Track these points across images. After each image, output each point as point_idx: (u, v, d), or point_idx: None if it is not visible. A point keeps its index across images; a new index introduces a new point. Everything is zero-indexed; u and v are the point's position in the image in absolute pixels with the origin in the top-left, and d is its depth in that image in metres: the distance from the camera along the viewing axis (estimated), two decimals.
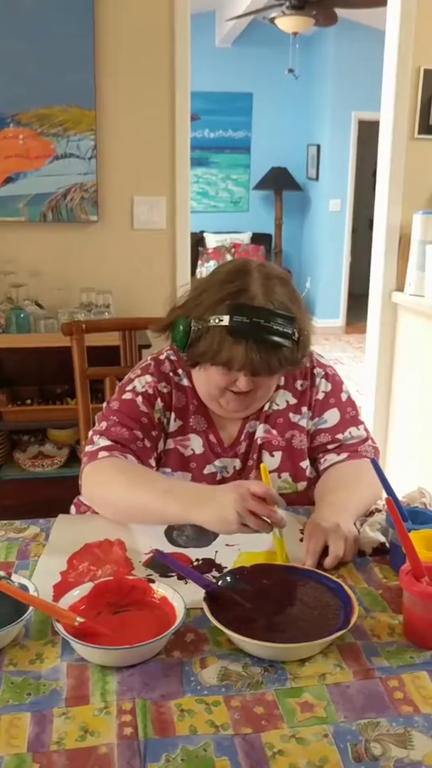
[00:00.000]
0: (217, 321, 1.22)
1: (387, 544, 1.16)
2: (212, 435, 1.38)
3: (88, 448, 1.31)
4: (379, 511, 1.29)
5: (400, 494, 1.20)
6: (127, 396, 1.36)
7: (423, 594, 0.91)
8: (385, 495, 1.09)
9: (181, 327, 1.26)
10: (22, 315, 2.69)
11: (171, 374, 1.38)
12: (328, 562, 1.10)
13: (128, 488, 1.21)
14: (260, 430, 1.39)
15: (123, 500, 1.22)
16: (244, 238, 7.33)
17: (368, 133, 6.24)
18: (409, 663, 0.90)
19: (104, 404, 1.42)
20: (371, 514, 1.28)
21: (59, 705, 0.82)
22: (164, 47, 2.76)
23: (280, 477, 1.39)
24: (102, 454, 1.27)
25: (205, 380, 1.31)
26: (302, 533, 1.20)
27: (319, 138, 7.09)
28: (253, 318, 1.20)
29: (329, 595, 0.99)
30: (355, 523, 1.21)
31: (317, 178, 7.20)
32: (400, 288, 3.21)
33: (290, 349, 1.24)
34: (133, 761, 0.74)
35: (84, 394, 1.78)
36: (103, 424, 1.33)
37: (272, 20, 5.26)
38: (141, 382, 1.37)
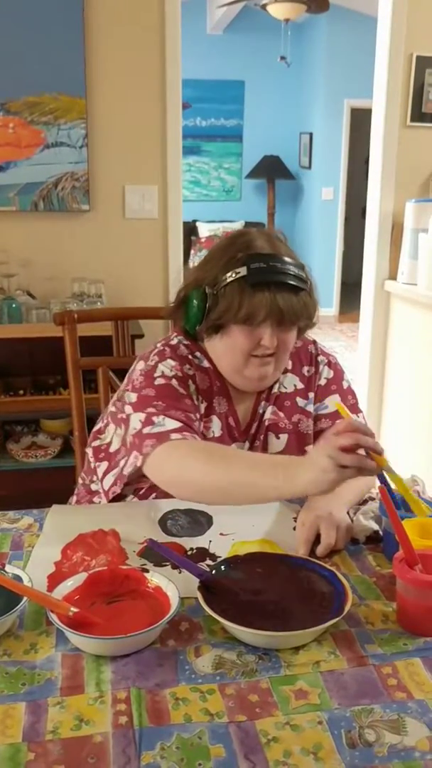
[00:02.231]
0: (234, 275, 1.22)
1: (380, 532, 1.16)
2: (231, 418, 1.37)
3: (148, 429, 1.21)
4: (372, 499, 1.30)
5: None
6: (160, 381, 1.29)
7: (416, 581, 0.92)
8: (378, 484, 1.09)
9: (195, 299, 1.26)
10: (13, 305, 2.68)
11: (190, 357, 1.35)
12: (320, 550, 1.10)
13: (215, 467, 1.12)
14: (269, 412, 1.39)
15: (209, 479, 1.12)
16: (237, 227, 7.29)
17: (361, 120, 6.21)
18: (402, 650, 0.90)
19: (128, 396, 1.31)
20: (365, 502, 1.28)
21: (54, 694, 0.82)
22: (155, 34, 2.74)
23: None
24: (174, 435, 1.19)
25: (229, 348, 1.28)
26: (295, 521, 1.20)
27: (311, 126, 7.06)
28: (269, 262, 1.21)
29: (323, 583, 1.00)
30: (348, 512, 1.21)
31: (310, 167, 7.18)
32: (393, 276, 3.21)
33: (307, 295, 1.26)
34: (128, 750, 0.74)
35: (77, 384, 1.77)
36: (152, 410, 1.24)
37: (264, 7, 5.22)
38: (167, 366, 1.31)
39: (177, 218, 2.93)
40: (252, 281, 1.21)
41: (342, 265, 7.15)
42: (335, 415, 1.42)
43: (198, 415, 1.31)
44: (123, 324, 1.86)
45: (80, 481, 1.50)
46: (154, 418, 1.22)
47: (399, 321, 3.24)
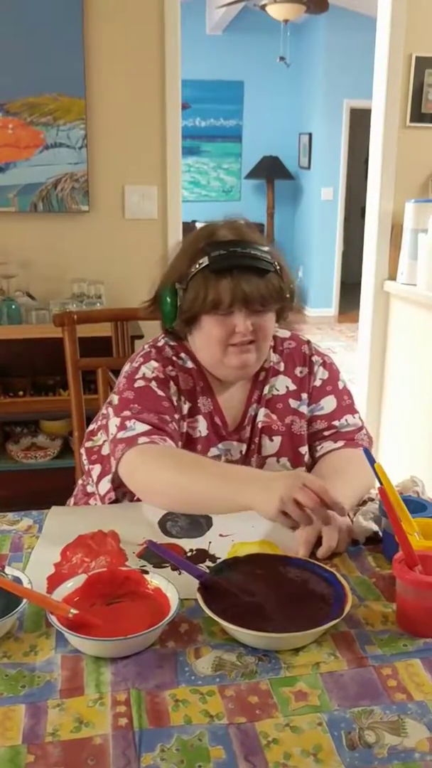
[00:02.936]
0: (198, 267, 1.24)
1: (380, 533, 1.16)
2: (217, 417, 1.37)
3: (121, 434, 1.24)
4: (372, 500, 1.29)
5: (393, 483, 1.20)
6: (140, 384, 1.31)
7: (416, 582, 0.92)
8: (378, 484, 1.09)
9: (167, 297, 1.28)
10: (13, 306, 2.68)
11: (174, 358, 1.36)
12: (321, 552, 1.10)
13: (180, 475, 1.16)
14: (261, 414, 1.39)
15: (175, 488, 1.17)
16: None
17: (360, 121, 6.22)
18: (402, 651, 0.90)
19: (112, 398, 1.35)
20: (364, 503, 1.28)
21: (54, 696, 0.82)
22: (154, 35, 2.74)
23: (279, 462, 1.39)
24: (142, 439, 1.22)
25: (205, 339, 1.29)
26: None
27: (310, 126, 7.06)
28: (230, 248, 1.23)
29: (323, 584, 1.00)
30: (348, 513, 1.21)
31: (309, 167, 7.18)
32: (393, 277, 3.21)
33: (275, 276, 1.27)
34: (128, 751, 0.74)
35: (76, 385, 1.77)
36: (126, 413, 1.27)
37: (263, 7, 5.22)
38: (149, 368, 1.33)
39: (176, 219, 2.93)
40: (213, 268, 1.22)
41: (341, 265, 7.15)
42: (330, 416, 1.42)
43: (177, 416, 1.32)
44: (122, 325, 1.86)
45: (80, 482, 1.51)
46: (127, 423, 1.25)
47: (398, 321, 3.24)
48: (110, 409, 1.32)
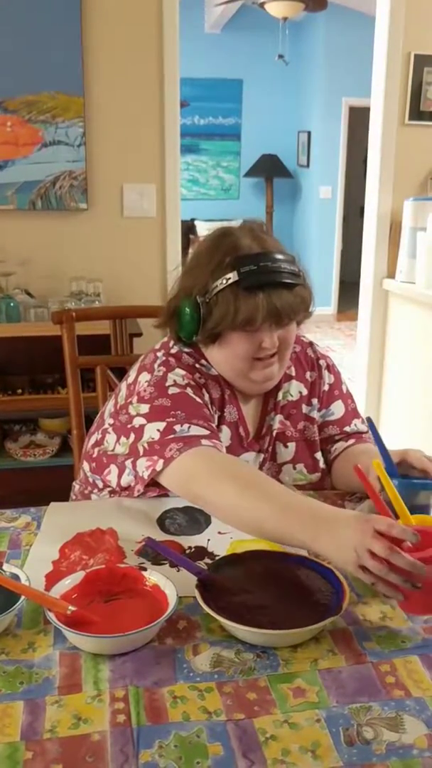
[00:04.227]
0: (225, 282, 1.18)
1: None
2: (242, 427, 1.33)
3: (173, 436, 1.15)
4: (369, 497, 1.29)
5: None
6: (174, 390, 1.22)
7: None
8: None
9: (188, 309, 1.22)
10: (11, 304, 2.68)
11: (197, 366, 1.29)
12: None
13: (243, 498, 1.06)
14: (276, 421, 1.36)
15: (237, 511, 1.08)
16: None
17: (359, 119, 6.22)
18: (400, 647, 0.90)
19: (137, 405, 1.23)
20: (361, 500, 1.28)
21: (52, 693, 0.82)
22: (153, 33, 2.74)
23: (295, 468, 1.37)
24: (205, 442, 1.14)
25: (230, 355, 1.24)
26: None
27: (309, 124, 7.06)
28: (259, 264, 1.17)
29: (321, 580, 0.99)
30: (346, 507, 1.21)
31: (308, 165, 7.17)
32: (391, 275, 3.21)
33: (303, 288, 1.24)
34: (126, 748, 0.74)
35: (75, 383, 1.77)
36: (171, 419, 1.17)
37: (262, 5, 5.22)
38: (177, 375, 1.25)
39: (175, 217, 2.93)
40: (245, 285, 1.17)
41: (340, 263, 7.15)
42: (342, 422, 1.42)
43: (215, 425, 1.26)
44: (121, 323, 1.86)
45: (76, 487, 1.46)
46: (176, 427, 1.16)
47: (397, 319, 3.24)
48: (138, 418, 1.21)
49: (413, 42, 3.02)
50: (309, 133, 7.08)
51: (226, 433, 1.31)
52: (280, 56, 6.08)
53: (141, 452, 1.20)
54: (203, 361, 1.30)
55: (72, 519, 1.22)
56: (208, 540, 1.16)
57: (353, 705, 0.80)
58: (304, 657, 0.88)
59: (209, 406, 1.27)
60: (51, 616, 0.89)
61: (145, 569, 1.00)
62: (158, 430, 1.18)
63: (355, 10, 6.24)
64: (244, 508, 1.06)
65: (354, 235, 5.49)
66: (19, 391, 2.77)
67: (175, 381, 1.24)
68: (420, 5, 2.99)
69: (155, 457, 1.17)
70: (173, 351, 1.30)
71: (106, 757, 0.73)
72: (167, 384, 1.24)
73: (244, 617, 0.90)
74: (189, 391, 1.24)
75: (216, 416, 1.29)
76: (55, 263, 2.85)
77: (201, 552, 1.12)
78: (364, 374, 3.42)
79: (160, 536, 1.16)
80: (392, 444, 1.22)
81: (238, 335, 1.22)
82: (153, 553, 1.09)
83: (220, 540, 1.15)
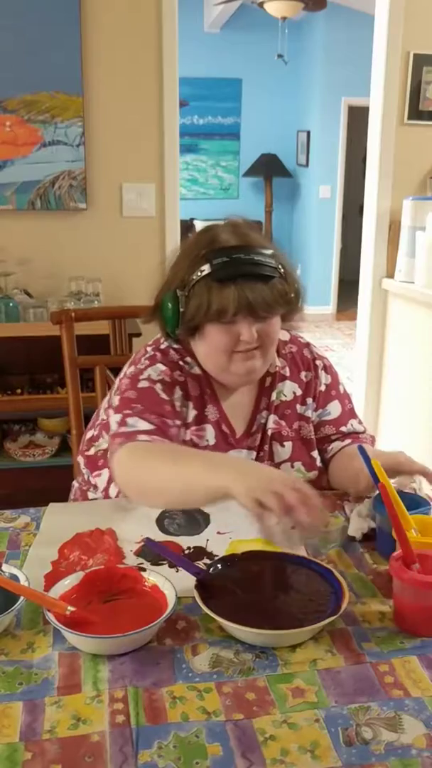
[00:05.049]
0: (200, 274, 1.20)
1: (376, 530, 1.16)
2: (224, 425, 1.34)
3: (121, 429, 1.20)
4: (368, 497, 1.29)
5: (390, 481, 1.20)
6: (144, 384, 1.27)
7: (413, 581, 0.92)
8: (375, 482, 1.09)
9: (169, 303, 1.24)
10: (10, 304, 2.68)
11: (181, 363, 1.32)
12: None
13: (172, 466, 1.09)
14: (270, 421, 1.37)
15: (142, 477, 1.12)
16: None
17: (358, 118, 6.21)
18: (399, 648, 0.90)
19: (113, 397, 1.30)
20: (360, 500, 1.28)
21: (51, 694, 0.82)
22: (152, 32, 2.74)
23: (293, 467, 1.38)
24: (142, 437, 1.18)
25: (210, 348, 1.25)
26: None
27: (308, 124, 7.05)
28: (232, 255, 1.19)
29: (320, 581, 1.00)
30: (345, 509, 1.21)
31: (307, 165, 7.17)
32: (391, 274, 3.21)
33: (280, 281, 1.22)
34: (125, 748, 0.74)
35: (74, 382, 1.77)
36: (128, 411, 1.22)
37: (261, 4, 5.22)
38: (155, 370, 1.29)
39: (174, 216, 2.93)
40: (217, 277, 1.18)
41: (339, 263, 7.14)
42: (338, 422, 1.43)
43: (179, 423, 1.28)
44: (120, 322, 1.86)
45: (75, 484, 1.48)
46: (128, 419, 1.21)
47: (396, 319, 3.24)
48: (110, 410, 1.27)
49: (412, 41, 3.02)
50: (308, 133, 7.07)
51: (210, 431, 1.33)
52: (280, 56, 6.07)
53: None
54: (188, 359, 1.33)
55: (71, 519, 1.22)
56: (207, 540, 1.16)
57: (352, 705, 0.80)
58: (303, 657, 0.88)
59: (178, 404, 1.29)
60: (50, 616, 0.89)
61: (144, 569, 1.00)
62: (116, 422, 1.22)
63: (354, 10, 6.23)
64: (147, 467, 1.11)
65: (353, 235, 5.49)
66: (19, 391, 2.77)
67: (149, 376, 1.28)
68: (419, 4, 2.99)
69: (109, 454, 1.21)
70: (162, 347, 1.34)
71: (106, 757, 0.73)
72: (141, 378, 1.28)
73: (243, 617, 0.90)
74: (158, 386, 1.27)
75: (193, 414, 1.31)
76: (55, 263, 2.85)
77: (200, 552, 1.12)
78: (363, 373, 3.42)
79: (159, 536, 1.16)
80: (391, 443, 1.22)
81: (216, 328, 1.23)
82: (152, 553, 1.09)
83: (219, 540, 1.16)
